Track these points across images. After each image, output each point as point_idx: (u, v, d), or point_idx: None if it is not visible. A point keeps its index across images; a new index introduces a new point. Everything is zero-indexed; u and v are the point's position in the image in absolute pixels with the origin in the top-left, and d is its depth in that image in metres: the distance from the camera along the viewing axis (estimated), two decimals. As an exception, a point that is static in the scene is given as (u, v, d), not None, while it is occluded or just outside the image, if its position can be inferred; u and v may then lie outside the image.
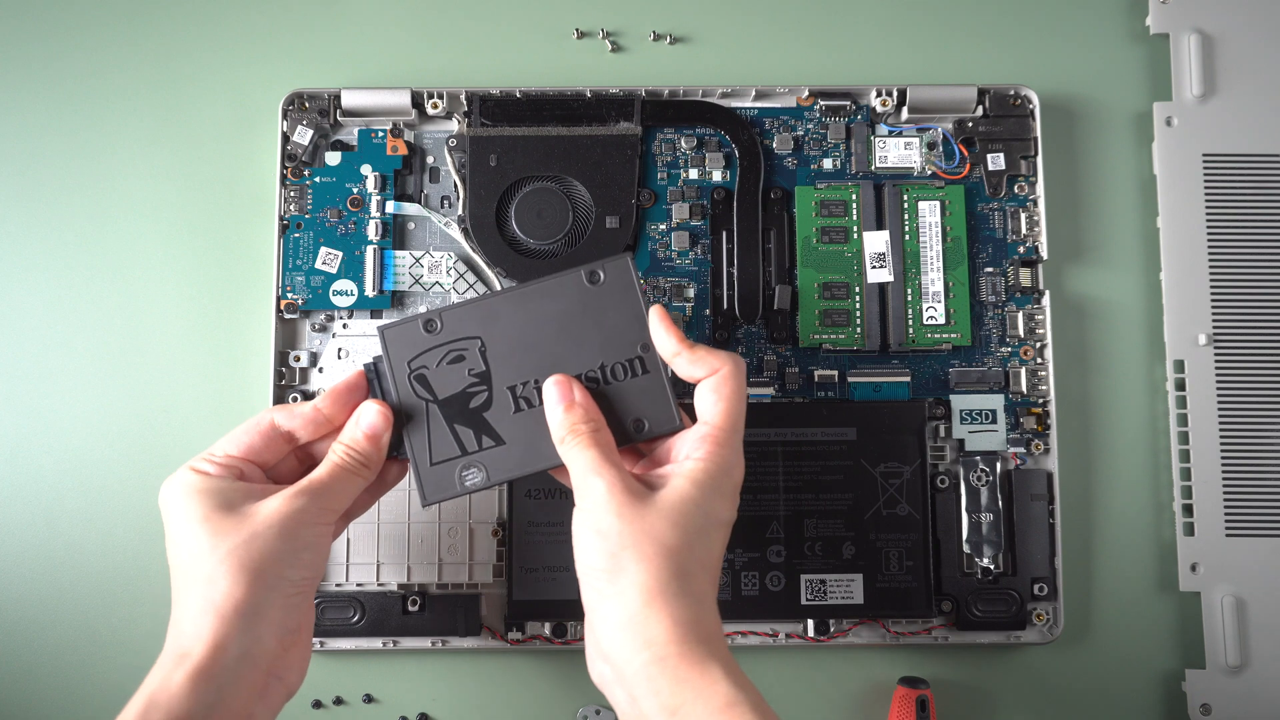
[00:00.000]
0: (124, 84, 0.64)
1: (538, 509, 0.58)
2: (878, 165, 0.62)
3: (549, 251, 0.61)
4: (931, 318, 0.60)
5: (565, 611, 0.58)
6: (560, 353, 0.49)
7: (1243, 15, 0.64)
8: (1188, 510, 0.60)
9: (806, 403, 0.60)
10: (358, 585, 0.58)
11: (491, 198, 0.61)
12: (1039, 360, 0.61)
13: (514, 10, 0.65)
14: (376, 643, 0.58)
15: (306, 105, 0.62)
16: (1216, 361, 0.61)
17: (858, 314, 0.61)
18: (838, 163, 0.63)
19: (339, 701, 0.60)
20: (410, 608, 0.58)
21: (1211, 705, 0.59)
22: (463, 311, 0.50)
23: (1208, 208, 0.62)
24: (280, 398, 0.60)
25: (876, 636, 0.59)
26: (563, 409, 0.48)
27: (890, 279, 0.61)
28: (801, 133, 0.63)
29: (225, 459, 0.47)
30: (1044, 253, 0.62)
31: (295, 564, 0.45)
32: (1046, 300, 0.61)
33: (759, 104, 0.63)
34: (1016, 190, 0.62)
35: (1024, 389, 0.61)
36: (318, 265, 0.61)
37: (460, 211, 0.62)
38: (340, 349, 0.60)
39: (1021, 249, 0.62)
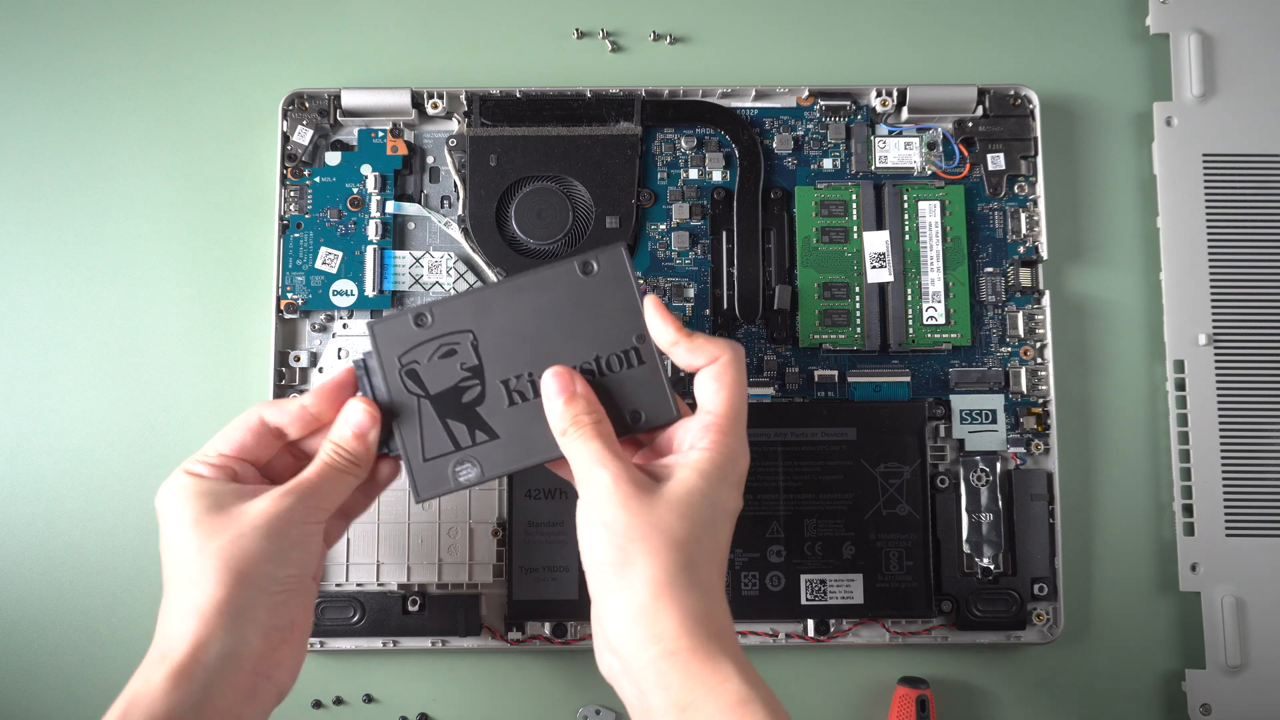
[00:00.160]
0: (124, 84, 0.64)
1: (538, 509, 0.58)
2: (878, 165, 0.62)
3: (549, 252, 0.61)
4: (931, 318, 0.60)
5: (565, 611, 0.58)
6: (554, 345, 0.48)
7: (1243, 15, 0.64)
8: (1188, 510, 0.60)
9: (806, 403, 0.60)
10: (358, 585, 0.58)
11: (491, 198, 0.61)
12: (1039, 360, 0.61)
13: (514, 10, 0.65)
14: (376, 643, 0.58)
15: (306, 105, 0.62)
16: (1216, 361, 0.61)
17: (858, 314, 0.61)
18: (838, 163, 0.63)
19: (339, 701, 0.60)
20: (410, 608, 0.58)
21: (1211, 705, 0.59)
22: (454, 305, 0.49)
23: (1208, 208, 0.62)
24: (280, 398, 0.60)
25: (876, 636, 0.59)
26: (563, 401, 0.47)
27: (890, 279, 0.61)
28: (801, 133, 0.63)
29: (219, 459, 0.47)
30: (1044, 253, 0.62)
31: (283, 562, 0.45)
32: (1046, 300, 0.61)
33: (759, 104, 0.63)
34: (1016, 190, 0.62)
35: (1024, 389, 0.60)
36: (318, 265, 0.61)
37: (460, 211, 0.61)
38: (340, 349, 0.60)
39: (1021, 249, 0.62)
